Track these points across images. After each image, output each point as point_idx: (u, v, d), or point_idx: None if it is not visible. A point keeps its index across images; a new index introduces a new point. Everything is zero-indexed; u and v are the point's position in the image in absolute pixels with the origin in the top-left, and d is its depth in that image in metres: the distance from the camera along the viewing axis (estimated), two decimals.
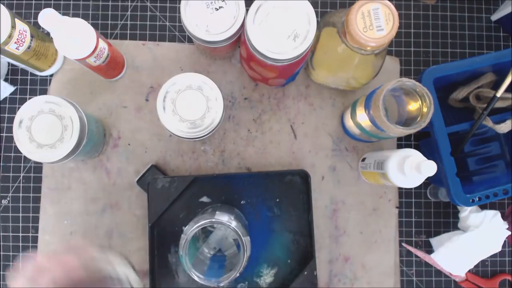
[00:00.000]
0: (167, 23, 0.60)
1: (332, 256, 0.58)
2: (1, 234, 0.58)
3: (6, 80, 0.58)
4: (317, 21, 0.44)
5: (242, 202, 0.55)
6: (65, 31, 0.44)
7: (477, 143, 0.60)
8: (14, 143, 0.46)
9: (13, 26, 0.46)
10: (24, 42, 0.48)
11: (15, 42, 0.47)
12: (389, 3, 0.41)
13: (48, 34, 0.56)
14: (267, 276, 0.55)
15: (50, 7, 0.54)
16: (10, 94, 0.59)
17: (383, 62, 0.50)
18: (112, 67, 0.54)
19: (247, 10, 0.44)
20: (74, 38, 0.45)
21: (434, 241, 0.57)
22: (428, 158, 0.44)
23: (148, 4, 0.60)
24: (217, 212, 0.47)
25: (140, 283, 0.38)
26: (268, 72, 0.50)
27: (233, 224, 0.45)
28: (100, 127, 0.55)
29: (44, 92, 0.59)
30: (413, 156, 0.45)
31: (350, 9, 0.42)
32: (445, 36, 0.62)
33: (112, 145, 0.58)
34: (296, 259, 0.55)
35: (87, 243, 0.38)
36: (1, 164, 0.58)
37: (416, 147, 0.60)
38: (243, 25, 0.45)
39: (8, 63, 0.59)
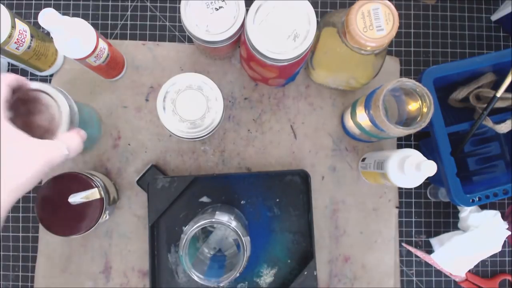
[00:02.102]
0: (167, 23, 0.60)
1: (332, 256, 0.58)
2: (1, 234, 0.58)
3: None
4: (317, 21, 0.44)
5: (242, 202, 0.55)
6: (65, 31, 0.44)
7: (477, 143, 0.60)
8: None
9: (13, 26, 0.46)
10: (24, 42, 0.48)
11: (15, 42, 0.47)
12: (389, 3, 0.41)
13: (48, 34, 0.56)
14: (267, 276, 0.55)
15: (50, 7, 0.54)
16: None
17: (383, 62, 0.50)
18: (112, 67, 0.54)
19: (247, 10, 0.44)
20: (74, 38, 0.45)
21: (434, 241, 0.57)
22: (428, 158, 0.44)
23: (148, 4, 0.60)
24: (217, 212, 0.47)
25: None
26: (268, 72, 0.50)
27: (233, 224, 0.45)
28: (94, 115, 0.53)
29: None
30: (413, 156, 0.45)
31: (350, 9, 0.42)
32: (445, 36, 0.62)
33: (112, 145, 0.58)
34: (296, 259, 0.55)
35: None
36: None
37: (416, 147, 0.60)
38: (243, 25, 0.45)
39: (8, 63, 0.59)
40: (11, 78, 0.36)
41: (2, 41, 0.45)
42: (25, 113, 0.40)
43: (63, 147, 0.36)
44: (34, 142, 0.34)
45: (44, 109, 0.41)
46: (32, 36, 0.49)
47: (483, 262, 0.59)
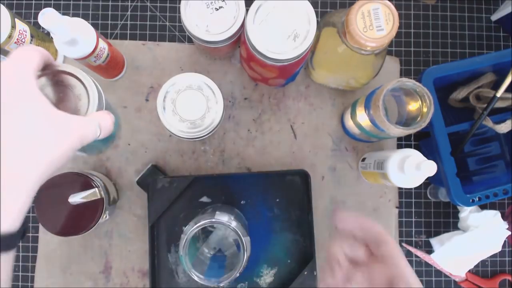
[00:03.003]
0: (167, 23, 0.60)
1: None
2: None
3: None
4: (317, 21, 0.44)
5: (242, 202, 0.55)
6: (65, 31, 0.44)
7: (477, 143, 0.60)
8: None
9: (13, 26, 0.46)
10: (24, 42, 0.48)
11: (15, 42, 0.47)
12: (389, 3, 0.41)
13: (48, 34, 0.56)
14: (267, 276, 0.55)
15: (50, 7, 0.54)
16: None
17: (383, 62, 0.50)
18: (112, 67, 0.54)
19: (247, 10, 0.44)
20: (74, 38, 0.45)
21: (434, 241, 0.57)
22: (428, 158, 0.44)
23: (148, 4, 0.60)
24: (217, 212, 0.47)
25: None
26: (268, 72, 0.50)
27: (233, 224, 0.45)
28: (115, 111, 0.46)
29: None
30: (413, 156, 0.45)
31: (350, 9, 0.42)
32: (445, 36, 0.62)
33: (112, 145, 0.58)
34: (296, 259, 0.55)
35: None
36: None
37: (416, 147, 0.60)
38: (243, 25, 0.45)
39: None
40: (43, 51, 0.33)
41: (2, 41, 0.45)
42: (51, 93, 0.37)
43: (96, 123, 0.34)
44: (67, 116, 0.32)
45: (69, 90, 0.38)
46: (32, 36, 0.49)
47: (483, 262, 0.59)
